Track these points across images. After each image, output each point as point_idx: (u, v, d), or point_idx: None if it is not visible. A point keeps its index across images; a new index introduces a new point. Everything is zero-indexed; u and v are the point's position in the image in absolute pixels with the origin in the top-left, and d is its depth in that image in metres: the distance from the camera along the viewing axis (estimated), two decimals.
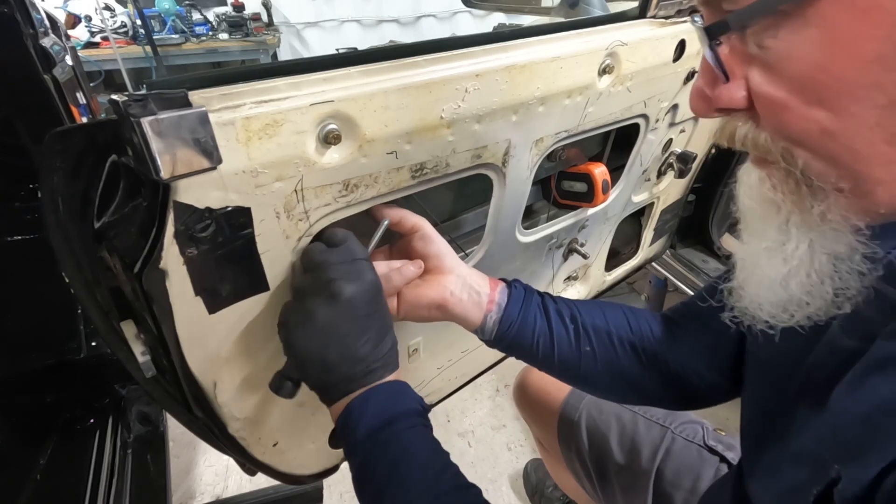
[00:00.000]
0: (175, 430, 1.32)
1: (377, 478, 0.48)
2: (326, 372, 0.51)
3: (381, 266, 0.60)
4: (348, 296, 0.50)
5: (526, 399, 1.03)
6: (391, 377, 0.53)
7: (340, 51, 2.20)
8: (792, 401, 0.44)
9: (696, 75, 0.37)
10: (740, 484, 0.55)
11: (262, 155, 0.45)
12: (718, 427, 0.85)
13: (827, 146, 0.31)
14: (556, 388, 0.97)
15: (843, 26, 0.28)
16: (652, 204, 1.12)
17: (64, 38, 1.11)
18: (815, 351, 0.42)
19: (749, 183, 0.39)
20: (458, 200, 0.81)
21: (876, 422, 0.32)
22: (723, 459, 0.79)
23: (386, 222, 0.60)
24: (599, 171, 0.84)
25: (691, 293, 0.93)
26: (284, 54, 3.66)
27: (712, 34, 0.33)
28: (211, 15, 3.31)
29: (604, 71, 0.69)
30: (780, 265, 0.37)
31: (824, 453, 0.36)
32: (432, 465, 0.49)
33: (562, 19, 1.29)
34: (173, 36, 3.10)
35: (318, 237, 0.55)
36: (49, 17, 1.03)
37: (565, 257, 0.98)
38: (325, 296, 0.50)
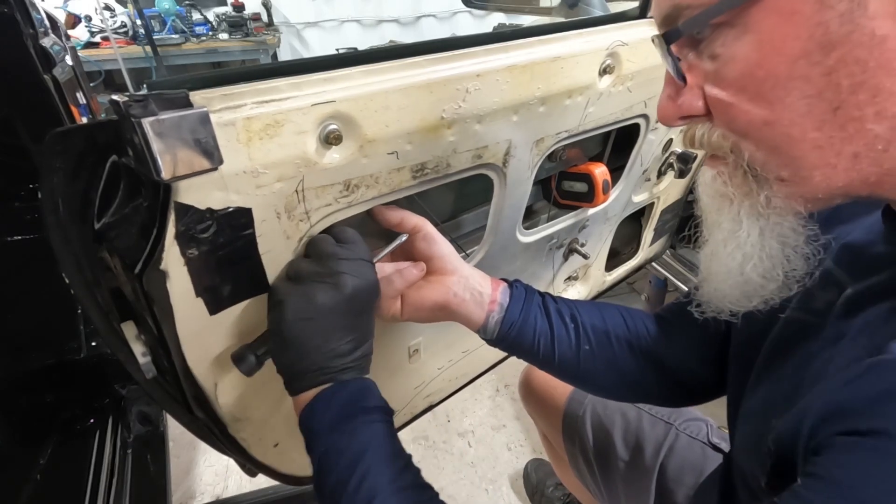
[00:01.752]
0: (175, 430, 1.32)
1: (341, 466, 0.48)
2: (304, 358, 0.51)
3: (385, 267, 0.60)
4: (350, 291, 0.51)
5: (531, 394, 1.04)
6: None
7: (340, 51, 2.20)
8: (757, 377, 0.49)
9: (662, 88, 0.42)
10: (728, 472, 0.56)
11: (263, 155, 0.45)
12: (722, 425, 0.85)
13: (768, 136, 0.36)
14: (560, 384, 0.97)
15: (773, 30, 0.33)
16: (652, 204, 1.12)
17: (64, 38, 1.11)
18: (773, 330, 0.47)
19: (705, 182, 0.43)
20: (458, 200, 0.81)
21: (818, 385, 0.36)
22: None
23: (404, 237, 0.60)
24: (600, 171, 0.84)
25: None
26: (284, 54, 3.65)
27: (668, 39, 0.38)
28: (211, 15, 3.30)
29: (604, 71, 0.69)
30: (736, 252, 0.42)
31: (775, 415, 0.40)
32: (397, 459, 0.49)
33: (562, 19, 1.29)
34: (173, 36, 3.09)
35: (327, 232, 0.55)
36: (49, 17, 1.03)
37: (566, 257, 0.98)
38: (330, 284, 0.51)
